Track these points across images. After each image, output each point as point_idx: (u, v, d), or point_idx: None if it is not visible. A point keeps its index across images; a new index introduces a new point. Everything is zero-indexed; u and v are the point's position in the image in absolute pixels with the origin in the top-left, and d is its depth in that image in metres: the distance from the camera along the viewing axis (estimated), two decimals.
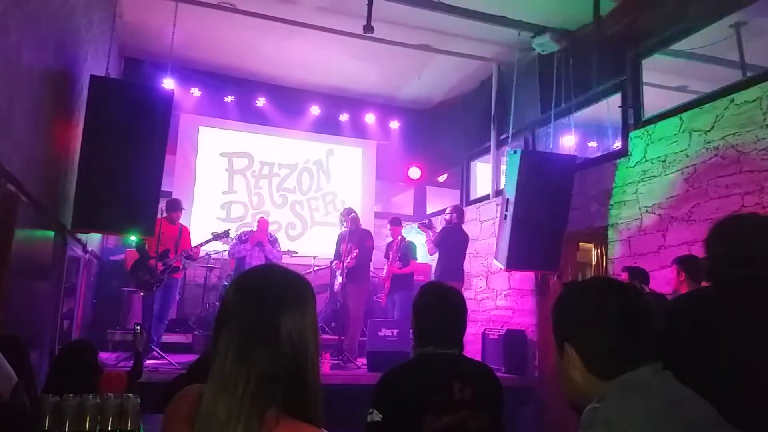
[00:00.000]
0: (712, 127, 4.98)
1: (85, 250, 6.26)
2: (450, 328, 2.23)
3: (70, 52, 4.87)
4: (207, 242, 6.70)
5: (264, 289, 1.25)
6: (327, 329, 6.78)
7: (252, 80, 9.27)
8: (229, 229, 6.98)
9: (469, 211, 8.43)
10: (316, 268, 8.28)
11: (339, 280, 6.82)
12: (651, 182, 5.52)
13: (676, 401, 1.19)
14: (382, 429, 2.03)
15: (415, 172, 10.05)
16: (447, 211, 7.10)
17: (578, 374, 1.30)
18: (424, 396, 2.07)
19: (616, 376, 1.23)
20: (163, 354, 5.92)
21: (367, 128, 10.05)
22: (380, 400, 2.09)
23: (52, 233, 4.72)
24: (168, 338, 6.73)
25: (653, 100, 6.06)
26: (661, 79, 6.63)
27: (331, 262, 7.06)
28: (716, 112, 4.98)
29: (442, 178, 10.20)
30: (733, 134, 4.77)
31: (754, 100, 4.65)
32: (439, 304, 2.25)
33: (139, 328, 4.23)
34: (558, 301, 1.41)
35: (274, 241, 7.31)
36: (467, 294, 7.98)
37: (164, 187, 5.52)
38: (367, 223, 9.13)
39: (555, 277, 6.41)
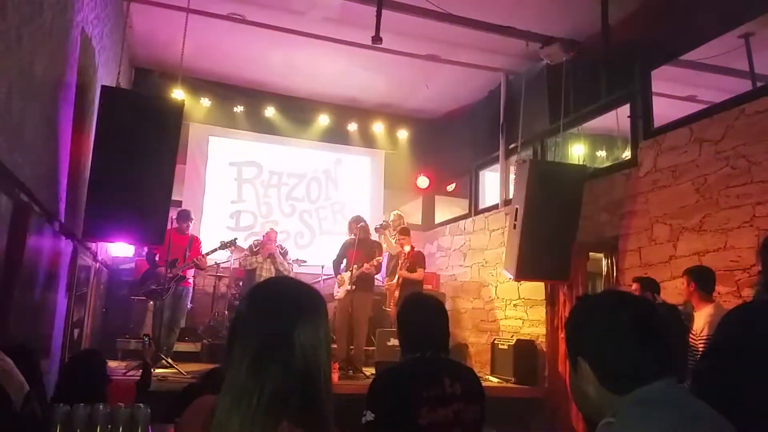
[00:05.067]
0: (723, 137, 4.96)
1: (95, 259, 6.28)
2: (433, 334, 2.34)
3: (81, 63, 4.91)
4: (214, 251, 6.73)
5: (277, 301, 1.26)
6: (335, 338, 6.75)
7: (261, 90, 9.33)
8: (236, 238, 7.01)
9: (478, 221, 8.42)
10: (324, 277, 8.28)
11: (345, 287, 6.76)
12: (661, 192, 5.49)
13: (692, 417, 1.18)
14: (376, 427, 2.10)
15: (423, 182, 10.06)
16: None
17: (592, 389, 1.29)
18: (417, 390, 2.17)
19: (631, 391, 1.22)
20: (172, 363, 5.92)
21: (375, 138, 10.09)
22: (373, 400, 2.18)
23: (62, 242, 4.74)
24: (177, 347, 6.73)
25: (662, 109, 6.04)
26: (670, 89, 6.62)
27: (338, 270, 7.01)
28: (727, 122, 4.96)
29: (450, 188, 10.18)
30: (744, 144, 4.75)
31: (764, 111, 4.63)
32: (421, 313, 2.38)
33: (148, 339, 4.24)
34: (570, 316, 1.41)
35: (285, 253, 7.33)
36: (477, 303, 7.96)
37: (174, 196, 5.54)
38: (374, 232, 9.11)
39: (565, 287, 6.38)
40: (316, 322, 1.24)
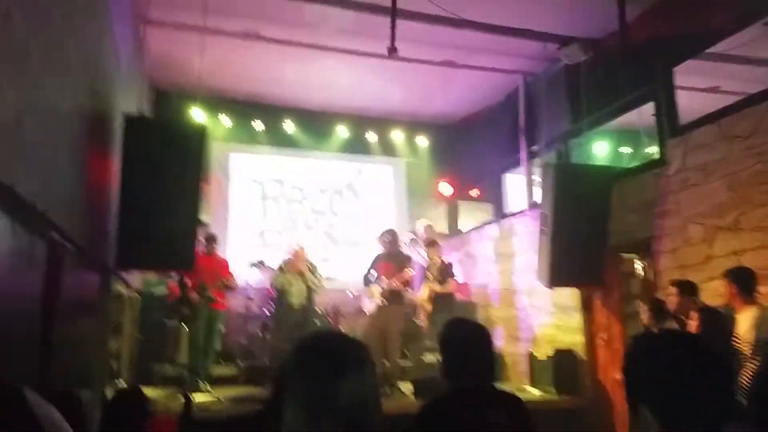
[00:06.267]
0: (753, 133, 4.83)
1: (128, 287, 6.34)
2: (478, 362, 2.27)
3: (103, 94, 4.96)
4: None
5: (321, 358, 1.27)
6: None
7: (279, 105, 9.35)
8: (263, 260, 7.00)
9: (505, 226, 8.30)
10: (353, 291, 8.23)
11: (375, 300, 6.73)
12: (692, 191, 5.36)
13: None
14: None
15: (446, 188, 9.97)
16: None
17: None
18: (461, 422, 2.11)
19: None
20: (210, 389, 5.93)
21: (395, 146, 10.07)
22: None
23: (96, 276, 4.79)
24: (213, 371, 6.74)
25: (684, 101, 5.91)
26: (692, 81, 6.47)
27: (367, 282, 6.99)
28: (756, 116, 4.83)
29: (474, 193, 10.08)
30: None
31: None
32: (469, 343, 2.29)
33: (186, 370, 4.25)
34: (626, 359, 1.37)
35: (314, 269, 7.32)
36: (510, 312, 7.81)
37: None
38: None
39: (600, 292, 6.26)
40: (362, 375, 1.25)
